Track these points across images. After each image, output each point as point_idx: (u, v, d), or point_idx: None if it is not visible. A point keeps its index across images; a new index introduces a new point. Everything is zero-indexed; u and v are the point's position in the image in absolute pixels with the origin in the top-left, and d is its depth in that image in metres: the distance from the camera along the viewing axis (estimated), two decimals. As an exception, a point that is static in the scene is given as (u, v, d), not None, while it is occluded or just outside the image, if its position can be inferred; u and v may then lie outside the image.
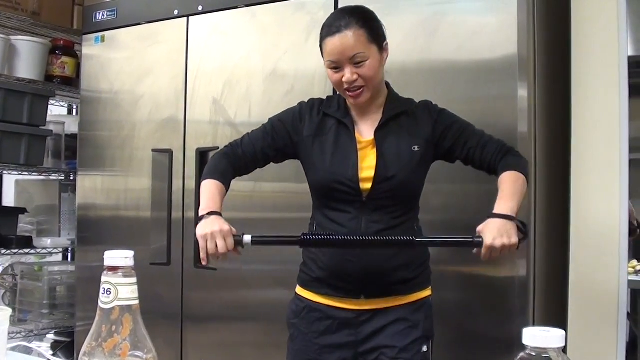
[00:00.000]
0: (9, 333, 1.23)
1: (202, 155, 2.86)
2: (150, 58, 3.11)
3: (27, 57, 3.51)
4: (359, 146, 1.92)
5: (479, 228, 1.78)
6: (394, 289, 1.94)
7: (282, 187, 2.68)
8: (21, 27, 3.58)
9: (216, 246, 1.81)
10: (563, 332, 0.85)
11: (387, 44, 1.92)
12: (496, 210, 1.80)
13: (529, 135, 2.25)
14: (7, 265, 3.83)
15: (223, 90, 2.87)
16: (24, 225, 3.75)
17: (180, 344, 2.94)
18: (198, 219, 1.87)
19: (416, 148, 1.92)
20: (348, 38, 1.83)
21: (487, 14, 2.30)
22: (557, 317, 2.35)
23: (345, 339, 1.94)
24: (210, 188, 1.93)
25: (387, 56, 1.94)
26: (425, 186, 1.99)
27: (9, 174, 3.95)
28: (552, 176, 2.40)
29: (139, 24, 3.16)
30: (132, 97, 3.16)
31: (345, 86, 1.87)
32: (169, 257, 2.97)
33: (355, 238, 1.85)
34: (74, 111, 4.32)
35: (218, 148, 2.29)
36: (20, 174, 3.88)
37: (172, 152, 3.00)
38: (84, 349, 0.96)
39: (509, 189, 1.84)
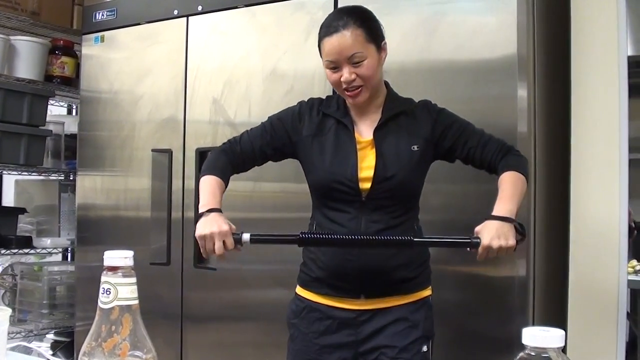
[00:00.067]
0: (8, 333, 1.23)
1: (201, 155, 2.86)
2: (149, 58, 3.11)
3: (26, 57, 3.51)
4: (358, 146, 1.92)
5: (477, 229, 1.78)
6: (393, 289, 1.94)
7: (281, 187, 2.68)
8: (21, 27, 3.58)
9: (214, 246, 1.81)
10: (562, 332, 0.85)
11: (385, 43, 1.92)
12: (495, 212, 1.80)
13: (529, 135, 2.25)
14: (6, 265, 3.83)
15: (223, 90, 2.87)
16: (24, 225, 3.75)
17: (180, 344, 2.94)
18: (198, 215, 1.87)
19: (415, 148, 1.92)
20: (346, 38, 1.83)
21: (486, 13, 2.30)
22: (556, 316, 2.35)
23: (345, 339, 1.94)
24: (210, 183, 1.93)
25: (386, 56, 1.94)
26: (425, 186, 1.99)
27: (9, 174, 3.96)
28: (551, 176, 2.40)
29: (138, 24, 3.16)
30: (132, 97, 3.16)
31: (344, 86, 1.87)
32: (168, 257, 2.97)
33: (353, 237, 1.85)
34: (74, 111, 4.32)
35: (218, 148, 2.28)
36: (19, 174, 3.88)
37: (172, 152, 3.00)
38: (83, 348, 0.96)
39: (509, 189, 1.85)
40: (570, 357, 0.91)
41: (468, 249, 1.79)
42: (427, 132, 1.94)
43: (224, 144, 2.06)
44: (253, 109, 2.76)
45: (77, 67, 3.63)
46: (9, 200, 4.24)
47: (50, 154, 3.71)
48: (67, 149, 3.79)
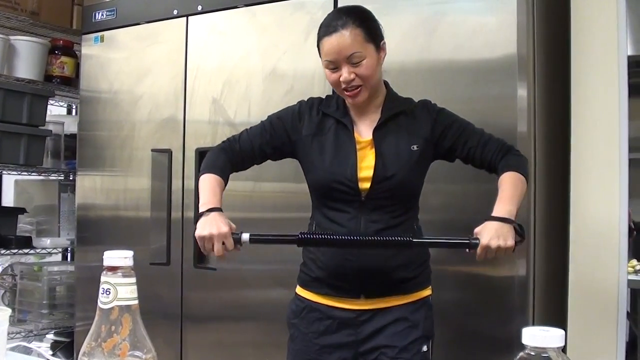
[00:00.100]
0: (8, 333, 1.23)
1: (201, 155, 2.85)
2: (149, 58, 3.11)
3: (26, 57, 3.51)
4: (358, 146, 1.92)
5: (477, 230, 1.79)
6: (393, 289, 1.94)
7: (281, 186, 2.68)
8: (20, 27, 3.58)
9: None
10: (562, 331, 0.85)
11: (384, 43, 1.92)
12: (495, 213, 1.80)
13: (529, 134, 2.25)
14: (6, 265, 3.83)
15: (222, 90, 2.87)
16: (24, 225, 3.75)
17: (179, 344, 2.94)
18: (198, 215, 1.87)
19: (415, 147, 1.92)
20: (345, 37, 1.83)
21: (486, 13, 2.30)
22: (556, 316, 2.35)
23: (345, 339, 1.94)
24: (210, 182, 1.93)
25: (385, 55, 1.94)
26: (425, 186, 1.99)
27: (9, 174, 3.96)
28: (551, 176, 2.40)
29: (138, 24, 3.16)
30: (132, 97, 3.16)
31: (343, 86, 1.87)
32: (168, 257, 2.97)
33: (352, 238, 1.85)
34: (73, 111, 4.32)
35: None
36: (19, 174, 3.88)
37: (172, 152, 3.00)
38: (83, 349, 0.96)
39: (508, 190, 1.85)
40: (570, 357, 0.91)
41: (467, 250, 1.79)
42: (427, 132, 1.94)
43: (223, 142, 2.06)
44: (253, 108, 2.76)
45: (77, 67, 3.63)
46: (8, 200, 4.24)
47: (50, 154, 3.71)
48: (66, 149, 3.79)
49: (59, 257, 4.07)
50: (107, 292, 0.95)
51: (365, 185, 1.89)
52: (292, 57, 2.69)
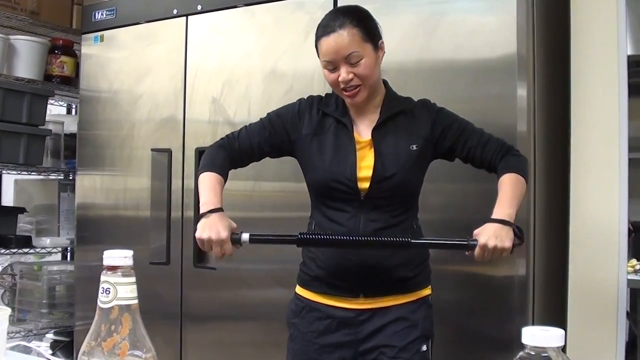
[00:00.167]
0: (8, 332, 1.23)
1: (201, 154, 2.83)
2: (149, 57, 3.11)
3: (26, 57, 3.51)
4: (357, 146, 1.92)
5: (476, 231, 1.79)
6: (393, 288, 1.94)
7: (281, 186, 2.68)
8: (20, 27, 3.58)
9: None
10: (562, 331, 0.85)
11: (382, 42, 1.92)
12: (494, 216, 1.81)
13: (528, 134, 2.25)
14: (6, 264, 3.83)
15: (222, 90, 2.87)
16: (23, 225, 3.74)
17: (179, 343, 2.94)
18: (199, 216, 1.87)
19: (414, 147, 1.92)
20: (342, 37, 1.83)
21: (486, 13, 2.30)
22: (556, 316, 2.35)
23: (345, 339, 1.94)
24: (210, 180, 1.94)
25: (383, 55, 1.93)
26: (425, 185, 1.99)
27: (8, 173, 3.96)
28: (551, 175, 2.40)
29: (138, 24, 3.16)
30: (131, 96, 3.16)
31: (342, 86, 1.87)
32: (168, 256, 2.97)
33: (351, 238, 1.85)
34: (73, 111, 4.32)
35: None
36: (19, 174, 3.87)
37: (171, 152, 3.00)
38: (83, 348, 0.96)
39: (508, 192, 1.85)
40: (569, 357, 0.91)
41: (467, 252, 1.79)
42: (427, 132, 1.94)
43: (222, 139, 2.06)
44: (252, 108, 2.76)
45: (77, 66, 3.63)
46: (8, 200, 4.24)
47: (49, 153, 3.70)
48: (66, 149, 3.79)
49: (58, 257, 4.07)
50: (107, 292, 0.95)
51: (365, 185, 1.90)
52: (292, 57, 2.69)
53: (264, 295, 2.75)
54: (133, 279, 0.97)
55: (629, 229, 2.36)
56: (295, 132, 1.98)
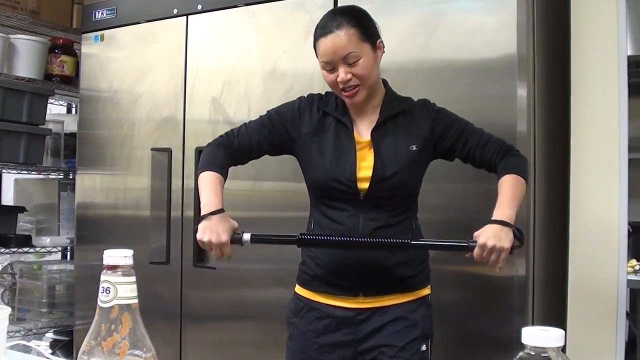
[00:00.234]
0: (8, 332, 1.23)
1: (201, 154, 2.85)
2: (149, 57, 3.11)
3: (26, 56, 3.51)
4: (357, 146, 1.92)
5: (476, 233, 1.79)
6: (392, 287, 1.94)
7: (281, 186, 2.68)
8: (20, 26, 3.58)
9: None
10: (562, 331, 0.85)
11: (380, 41, 1.92)
12: (494, 217, 1.81)
13: (528, 134, 2.25)
14: (6, 264, 3.83)
15: (222, 90, 2.87)
16: (23, 224, 3.75)
17: (179, 343, 2.94)
18: (200, 217, 1.87)
19: (414, 147, 1.92)
20: (340, 38, 1.83)
21: (486, 13, 2.30)
22: (556, 316, 2.35)
23: (345, 338, 1.94)
24: (210, 180, 1.94)
25: (382, 54, 1.93)
26: (425, 185, 1.99)
27: (8, 172, 3.96)
28: (551, 175, 2.40)
29: (138, 23, 3.16)
30: (131, 96, 3.16)
31: (341, 86, 1.87)
32: (168, 256, 2.97)
33: (352, 239, 1.85)
34: (73, 110, 4.32)
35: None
36: (19, 173, 3.88)
37: (171, 151, 3.00)
38: (83, 347, 0.96)
39: (508, 193, 1.85)
40: (569, 357, 0.91)
41: (467, 254, 1.79)
42: (426, 132, 1.94)
43: (221, 136, 2.05)
44: (252, 108, 2.75)
45: (77, 65, 3.63)
46: (8, 199, 4.24)
47: (49, 152, 3.70)
48: (66, 148, 3.79)
49: (58, 256, 4.07)
50: (107, 291, 0.95)
51: (364, 185, 1.90)
52: (292, 57, 2.69)
53: (263, 295, 2.75)
54: (133, 279, 0.97)
55: (628, 231, 2.36)
56: (295, 130, 1.98)
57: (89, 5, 3.42)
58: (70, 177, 3.85)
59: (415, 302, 1.95)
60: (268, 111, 2.05)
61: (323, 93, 2.03)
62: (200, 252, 2.83)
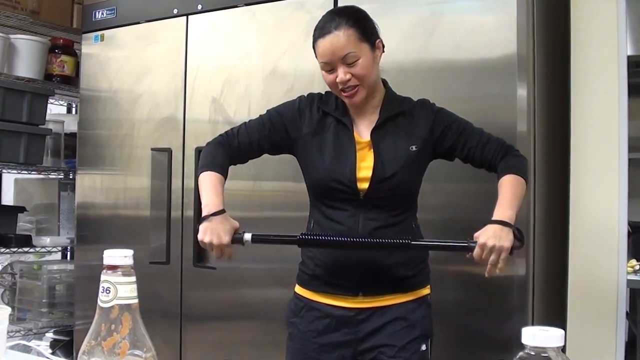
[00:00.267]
0: (8, 332, 1.23)
1: (200, 153, 2.86)
2: (149, 57, 3.11)
3: (26, 56, 3.51)
4: (357, 146, 1.92)
5: (476, 234, 1.79)
6: (392, 287, 1.94)
7: (281, 186, 2.68)
8: (20, 26, 3.58)
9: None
10: (562, 331, 0.85)
11: (379, 41, 1.92)
12: (494, 217, 1.81)
13: (528, 134, 2.25)
14: (6, 264, 3.83)
15: (222, 90, 2.87)
16: (23, 224, 3.75)
17: (179, 343, 2.94)
18: (201, 219, 1.87)
19: (414, 148, 1.92)
20: (338, 38, 1.83)
21: (485, 13, 2.30)
22: (556, 316, 2.35)
23: (344, 338, 1.94)
24: (211, 180, 1.94)
25: (381, 54, 1.93)
26: (425, 185, 1.99)
27: (8, 172, 3.96)
28: (551, 175, 2.40)
29: (138, 23, 3.16)
30: (131, 96, 3.16)
31: (340, 86, 1.87)
32: (168, 256, 2.98)
33: (353, 240, 1.85)
34: (73, 110, 4.32)
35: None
36: (19, 173, 3.88)
37: (171, 151, 3.00)
38: (83, 347, 0.96)
39: (508, 193, 1.85)
40: (569, 357, 0.91)
41: (467, 254, 1.79)
42: (426, 132, 1.94)
43: (220, 135, 2.05)
44: (253, 108, 2.75)
45: (77, 65, 3.63)
46: (8, 199, 4.24)
47: (49, 152, 3.71)
48: (66, 148, 3.79)
49: (58, 256, 4.07)
50: (107, 291, 0.95)
51: (364, 185, 1.90)
52: (292, 57, 2.69)
53: (263, 295, 2.75)
54: (133, 279, 0.97)
55: (628, 232, 2.36)
56: (295, 130, 1.98)
57: (89, 5, 3.42)
58: (70, 177, 3.85)
59: (415, 302, 1.95)
60: (268, 110, 2.05)
61: (323, 93, 2.03)
62: (200, 252, 2.83)
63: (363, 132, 1.95)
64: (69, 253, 4.07)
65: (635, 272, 3.23)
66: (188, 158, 2.94)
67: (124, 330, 0.95)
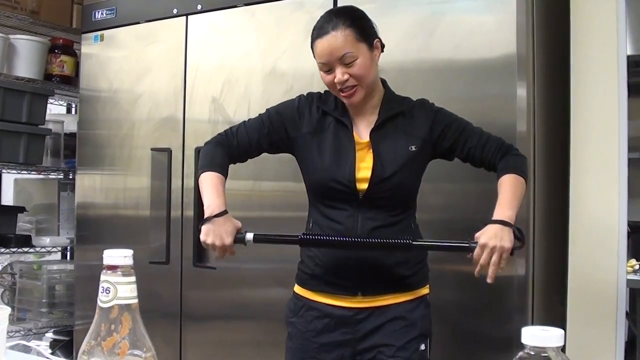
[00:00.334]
0: (7, 332, 1.23)
1: (200, 153, 2.86)
2: (149, 57, 3.11)
3: (26, 56, 3.51)
4: (357, 147, 1.92)
5: (477, 234, 1.79)
6: (391, 286, 1.94)
7: (281, 186, 2.68)
8: (20, 26, 3.58)
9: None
10: (562, 331, 0.85)
11: (377, 41, 1.92)
12: (495, 217, 1.81)
13: (528, 134, 2.25)
14: (6, 264, 3.83)
15: (222, 89, 2.87)
16: (23, 224, 3.75)
17: (179, 343, 2.94)
18: (204, 219, 1.87)
19: (413, 148, 1.92)
20: (336, 39, 1.83)
21: (485, 13, 2.30)
22: (556, 316, 2.35)
23: (343, 337, 1.94)
24: (212, 180, 1.94)
25: (380, 54, 1.93)
26: (424, 185, 1.99)
27: (8, 172, 3.96)
28: (551, 175, 2.40)
29: (138, 23, 3.16)
30: (131, 95, 3.16)
31: (338, 87, 1.87)
32: (167, 255, 2.98)
33: (354, 240, 1.85)
34: (73, 110, 4.32)
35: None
36: (19, 173, 3.88)
37: (171, 151, 3.00)
38: (83, 347, 0.96)
39: (508, 193, 1.85)
40: (569, 357, 0.91)
41: (468, 255, 1.79)
42: (425, 132, 1.94)
43: (219, 134, 2.05)
44: (252, 108, 2.75)
45: (77, 65, 3.63)
46: (8, 199, 4.24)
47: (49, 152, 3.70)
48: (66, 148, 3.79)
49: (58, 256, 4.07)
50: (107, 291, 0.95)
51: (363, 185, 1.90)
52: (292, 56, 2.69)
53: (263, 295, 2.75)
54: (133, 279, 0.97)
55: (627, 232, 2.36)
56: (294, 129, 1.98)
57: (88, 5, 3.41)
58: (70, 177, 3.85)
59: (414, 301, 1.95)
60: (267, 109, 2.05)
61: (322, 92, 2.03)
62: (200, 252, 2.83)
63: (362, 132, 1.95)
64: (68, 253, 4.07)
65: (635, 272, 3.23)
66: (188, 158, 2.94)
67: (124, 330, 0.95)
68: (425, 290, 1.98)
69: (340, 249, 1.91)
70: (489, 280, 1.77)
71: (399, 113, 1.95)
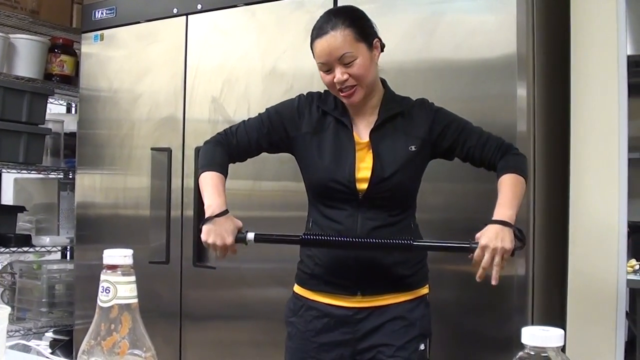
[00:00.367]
0: (7, 331, 1.23)
1: (199, 153, 2.86)
2: (149, 57, 3.11)
3: (26, 56, 3.51)
4: (356, 147, 1.92)
5: (478, 234, 1.79)
6: (390, 286, 1.94)
7: (281, 185, 2.68)
8: (20, 26, 3.58)
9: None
10: (562, 331, 0.85)
11: (377, 41, 1.91)
12: (495, 217, 1.81)
13: (528, 134, 2.25)
14: (6, 263, 3.83)
15: (222, 89, 2.87)
16: (23, 224, 3.75)
17: (179, 343, 2.94)
18: (204, 219, 1.87)
19: (413, 148, 1.92)
20: (335, 39, 1.83)
21: (486, 13, 2.30)
22: (556, 316, 2.35)
23: (343, 337, 1.94)
24: (212, 180, 1.94)
25: (379, 53, 1.93)
26: (425, 185, 1.99)
27: (8, 172, 3.96)
28: (551, 175, 2.40)
29: (138, 23, 3.16)
30: (131, 95, 3.16)
31: (338, 87, 1.87)
32: (167, 255, 2.97)
33: (354, 240, 1.85)
34: (73, 109, 4.32)
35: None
36: (19, 172, 3.88)
37: (171, 151, 3.00)
38: (82, 347, 0.96)
39: (508, 193, 1.85)
40: (569, 357, 0.91)
41: (469, 255, 1.79)
42: (425, 132, 1.94)
43: (219, 133, 2.04)
44: (252, 107, 2.75)
45: (77, 65, 3.63)
46: (8, 199, 4.24)
47: (49, 152, 3.71)
48: (66, 148, 3.79)
49: (58, 256, 4.07)
50: (107, 291, 0.95)
51: (363, 185, 1.90)
52: (292, 56, 2.68)
53: (263, 295, 2.75)
54: (133, 278, 0.97)
55: (627, 232, 2.36)
56: (294, 129, 1.98)
57: (88, 4, 3.41)
58: (70, 176, 3.85)
59: (414, 301, 1.95)
60: (267, 109, 2.05)
61: (322, 92, 2.03)
62: (200, 251, 2.83)
63: (362, 132, 1.95)
64: (68, 253, 4.07)
65: (635, 272, 3.23)
66: (188, 158, 2.94)
67: (124, 330, 0.95)
68: (424, 290, 1.98)
69: (340, 249, 1.91)
70: (493, 282, 1.77)
71: (398, 113, 1.95)
